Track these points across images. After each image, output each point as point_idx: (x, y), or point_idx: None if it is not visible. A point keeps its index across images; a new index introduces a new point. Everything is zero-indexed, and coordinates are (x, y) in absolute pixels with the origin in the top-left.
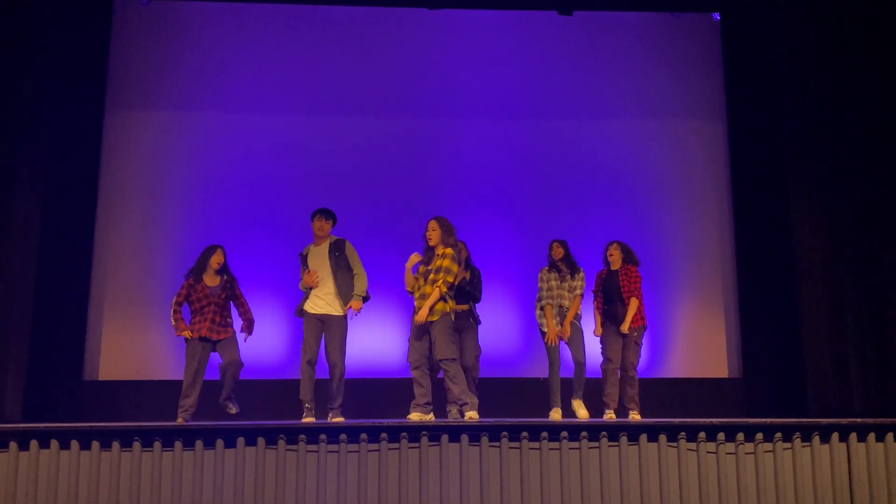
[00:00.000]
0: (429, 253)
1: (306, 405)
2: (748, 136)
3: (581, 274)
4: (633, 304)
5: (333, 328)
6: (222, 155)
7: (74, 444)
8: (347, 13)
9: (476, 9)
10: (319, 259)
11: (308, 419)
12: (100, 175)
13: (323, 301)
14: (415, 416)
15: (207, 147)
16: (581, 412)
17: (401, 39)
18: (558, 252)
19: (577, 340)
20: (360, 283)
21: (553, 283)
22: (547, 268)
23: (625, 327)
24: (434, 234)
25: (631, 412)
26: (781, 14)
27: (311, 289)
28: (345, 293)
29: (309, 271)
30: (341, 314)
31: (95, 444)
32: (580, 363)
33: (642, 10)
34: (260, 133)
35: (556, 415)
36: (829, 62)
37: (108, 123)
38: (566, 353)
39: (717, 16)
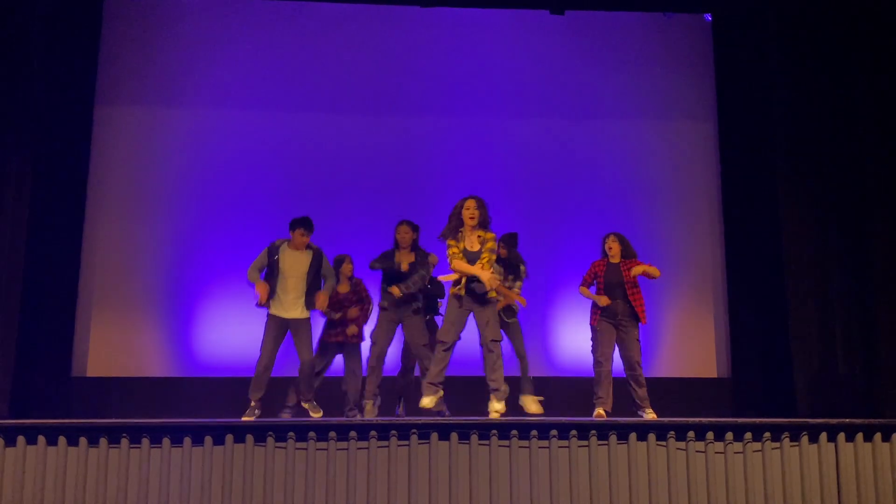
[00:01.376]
0: (460, 232)
1: (255, 402)
2: (738, 137)
3: (523, 270)
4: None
5: (304, 330)
6: (212, 150)
7: (62, 440)
8: (339, 9)
9: (468, 7)
10: (296, 264)
11: (250, 417)
12: (89, 170)
13: (291, 306)
14: (427, 401)
15: (197, 143)
16: (533, 408)
17: (393, 37)
18: (501, 252)
19: (518, 335)
20: (331, 283)
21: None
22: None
23: (643, 317)
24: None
25: (647, 412)
26: (773, 15)
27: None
28: (309, 300)
29: (262, 285)
30: (307, 317)
31: (83, 441)
32: (522, 357)
33: (634, 11)
34: (250, 129)
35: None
36: (820, 64)
37: (97, 118)
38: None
39: (708, 17)
